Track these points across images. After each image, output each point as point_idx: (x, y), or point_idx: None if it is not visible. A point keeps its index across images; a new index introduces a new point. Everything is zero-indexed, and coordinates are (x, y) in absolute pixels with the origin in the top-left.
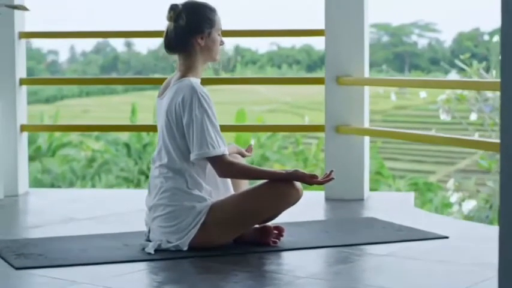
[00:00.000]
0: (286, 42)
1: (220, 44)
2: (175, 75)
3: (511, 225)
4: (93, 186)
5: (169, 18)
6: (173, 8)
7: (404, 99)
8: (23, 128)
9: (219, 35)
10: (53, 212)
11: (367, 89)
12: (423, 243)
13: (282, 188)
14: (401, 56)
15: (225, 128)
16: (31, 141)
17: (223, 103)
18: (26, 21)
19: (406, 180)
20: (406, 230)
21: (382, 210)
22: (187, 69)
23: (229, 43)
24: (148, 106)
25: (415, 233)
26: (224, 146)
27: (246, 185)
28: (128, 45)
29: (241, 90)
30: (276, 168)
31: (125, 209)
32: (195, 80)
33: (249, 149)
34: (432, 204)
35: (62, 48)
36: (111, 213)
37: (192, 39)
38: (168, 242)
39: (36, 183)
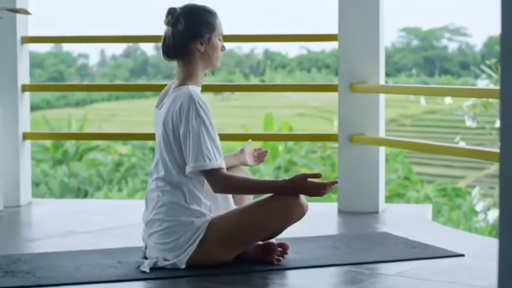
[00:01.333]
0: (316, 46)
1: (222, 50)
2: (174, 83)
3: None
4: (120, 190)
5: (167, 23)
6: (171, 11)
7: (434, 104)
8: (26, 136)
9: (220, 40)
10: (52, 224)
11: (382, 97)
12: (436, 261)
13: (284, 203)
14: (432, 60)
15: (229, 137)
16: (59, 145)
17: (252, 107)
18: (53, 26)
19: (434, 186)
20: (420, 247)
21: (396, 225)
22: (186, 77)
23: (259, 47)
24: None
25: (428, 251)
26: (221, 159)
27: (249, 198)
28: (158, 48)
29: (271, 94)
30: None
31: (127, 222)
32: (194, 88)
33: (261, 153)
34: (461, 210)
35: (92, 52)
36: (112, 226)
37: (191, 45)
38: (165, 259)
39: (62, 187)
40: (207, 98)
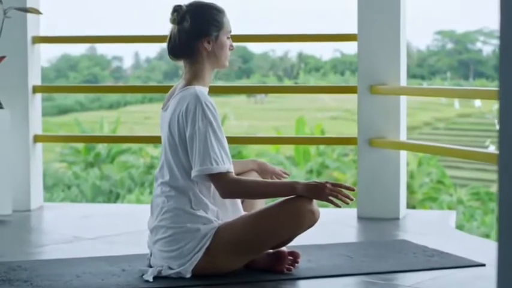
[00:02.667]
0: (350, 49)
1: (230, 49)
2: (180, 84)
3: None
4: (151, 193)
5: (173, 21)
6: (176, 9)
7: (468, 107)
8: (37, 138)
9: (228, 38)
10: (61, 229)
11: (403, 99)
12: (456, 271)
13: (295, 209)
14: (466, 64)
15: (240, 141)
16: (90, 148)
17: (286, 110)
18: (88, 27)
19: (467, 190)
20: (439, 256)
21: (417, 232)
22: (193, 77)
23: (293, 50)
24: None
25: (448, 260)
26: (229, 162)
27: (260, 204)
28: None
29: (304, 97)
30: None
31: (138, 228)
32: (201, 89)
33: (281, 173)
34: (494, 214)
35: (127, 55)
36: (122, 232)
37: (197, 44)
38: (170, 268)
39: (94, 189)
40: (239, 101)
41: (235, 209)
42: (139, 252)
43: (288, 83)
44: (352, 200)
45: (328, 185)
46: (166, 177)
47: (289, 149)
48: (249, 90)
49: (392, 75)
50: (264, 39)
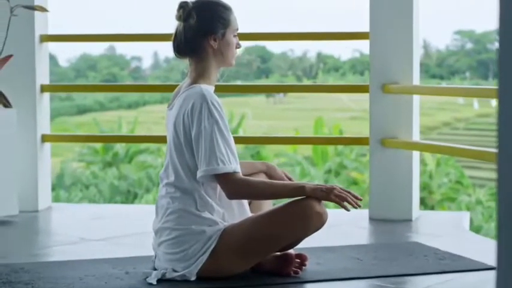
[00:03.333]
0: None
1: (237, 47)
2: (186, 82)
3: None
4: None
5: (179, 18)
6: (182, 5)
7: (487, 107)
8: (45, 138)
9: (234, 36)
10: (67, 230)
11: (416, 98)
12: (466, 275)
13: (302, 211)
14: (486, 63)
15: (248, 141)
16: (108, 148)
17: (305, 110)
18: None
19: (486, 190)
20: (451, 259)
21: (429, 234)
22: (198, 76)
23: (312, 50)
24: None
25: (459, 263)
26: (236, 163)
27: (268, 205)
28: None
29: (323, 97)
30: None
31: (146, 229)
32: (207, 87)
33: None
34: None
35: (146, 54)
36: (128, 233)
37: (203, 41)
38: (174, 270)
39: (112, 189)
40: (258, 101)
41: (241, 211)
42: (145, 254)
43: (306, 82)
44: (359, 206)
45: (337, 188)
46: (171, 178)
47: (307, 149)
48: (257, 90)
49: (405, 74)
50: (272, 37)
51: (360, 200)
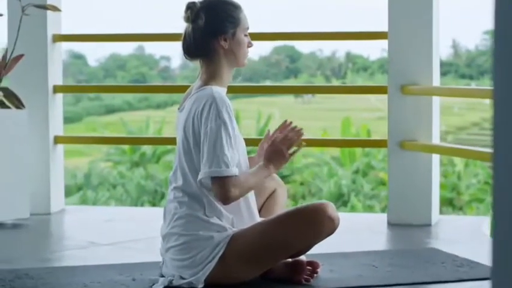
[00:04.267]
0: None
1: (248, 46)
2: (197, 84)
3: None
4: None
5: (187, 19)
6: (190, 6)
7: None
8: (58, 139)
9: (245, 35)
10: (77, 234)
11: (436, 100)
12: (485, 283)
13: (312, 217)
14: None
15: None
16: (136, 148)
17: (333, 110)
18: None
19: None
20: (469, 266)
21: (449, 239)
22: (210, 77)
23: (341, 49)
24: (253, 112)
25: (477, 270)
26: (235, 166)
27: (280, 209)
28: None
29: (352, 98)
30: None
31: (157, 233)
32: (218, 89)
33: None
34: None
35: (175, 54)
36: (140, 237)
37: (213, 42)
38: (181, 277)
39: (139, 189)
40: (287, 101)
41: (251, 216)
42: (154, 260)
43: (335, 82)
44: (301, 133)
45: (279, 144)
46: (180, 182)
47: (335, 150)
48: (269, 90)
49: (425, 75)
50: (290, 37)
51: (300, 130)
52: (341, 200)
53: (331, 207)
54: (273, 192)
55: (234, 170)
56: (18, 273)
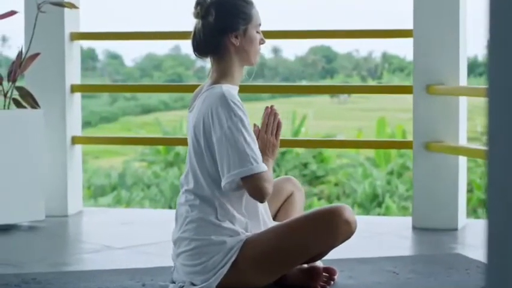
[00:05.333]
0: None
1: (260, 43)
2: (207, 83)
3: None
4: None
5: (196, 15)
6: (200, 2)
7: None
8: (75, 140)
9: (257, 32)
10: (92, 238)
11: (463, 100)
12: None
13: (328, 220)
14: None
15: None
16: (170, 148)
17: (369, 110)
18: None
19: None
20: None
21: (474, 245)
22: (220, 75)
23: (377, 50)
24: (288, 113)
25: None
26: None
27: (297, 212)
28: (275, 51)
29: (388, 98)
30: None
31: None
32: (228, 88)
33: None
34: None
35: None
36: (154, 241)
37: (224, 39)
38: (192, 284)
39: (173, 189)
40: (322, 101)
41: (267, 220)
42: (166, 265)
43: (371, 83)
44: (275, 111)
45: (265, 135)
46: (191, 185)
47: (370, 150)
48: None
49: (451, 74)
50: (309, 35)
51: (272, 109)
52: (375, 201)
53: (348, 210)
54: (290, 195)
55: (263, 166)
56: (25, 278)
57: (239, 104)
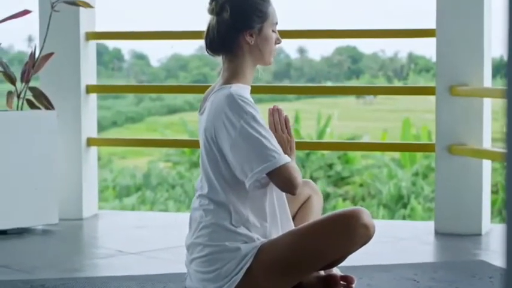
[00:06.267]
0: None
1: (276, 43)
2: (218, 83)
3: None
4: None
5: (211, 11)
6: None
7: None
8: (91, 141)
9: (273, 31)
10: (106, 242)
11: (487, 102)
12: None
13: (344, 224)
14: None
15: (307, 146)
16: (195, 149)
17: (395, 111)
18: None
19: None
20: None
21: (498, 251)
22: (232, 75)
23: (403, 50)
24: (314, 113)
25: None
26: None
27: (315, 216)
28: (301, 51)
29: (414, 98)
30: None
31: None
32: (238, 87)
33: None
34: None
35: None
36: (169, 246)
37: (238, 37)
38: None
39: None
40: (349, 102)
41: (287, 224)
42: (179, 271)
43: (397, 83)
44: (277, 108)
45: (278, 132)
46: (205, 189)
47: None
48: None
49: (475, 75)
50: (329, 34)
51: (276, 108)
52: (401, 202)
53: (365, 213)
54: (308, 199)
55: (286, 157)
56: (34, 284)
57: (248, 100)
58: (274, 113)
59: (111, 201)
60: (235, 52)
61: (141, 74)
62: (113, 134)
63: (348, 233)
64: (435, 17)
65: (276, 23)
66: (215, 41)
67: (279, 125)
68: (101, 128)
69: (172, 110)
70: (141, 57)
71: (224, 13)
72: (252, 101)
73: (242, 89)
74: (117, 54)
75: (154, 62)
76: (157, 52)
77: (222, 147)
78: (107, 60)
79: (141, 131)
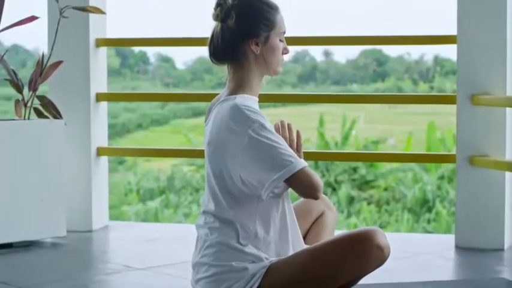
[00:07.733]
0: None
1: (283, 53)
2: (224, 93)
3: None
4: None
5: (216, 17)
6: (220, 3)
7: None
8: (101, 151)
9: (281, 40)
10: (114, 256)
11: (510, 111)
12: None
13: (358, 245)
14: None
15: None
16: None
17: (420, 114)
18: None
19: None
20: None
21: None
22: (238, 85)
23: (429, 53)
24: (339, 116)
25: None
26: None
27: (328, 235)
28: (327, 54)
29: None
30: None
31: None
32: (243, 98)
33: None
34: None
35: None
36: (177, 261)
37: (244, 45)
38: None
39: None
40: (374, 105)
41: (298, 242)
42: None
43: (423, 86)
44: (284, 124)
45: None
46: (210, 206)
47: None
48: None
49: (498, 84)
50: (354, 41)
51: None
52: (426, 206)
53: (380, 234)
54: (321, 215)
55: (302, 161)
56: None
57: (253, 109)
58: (283, 130)
59: (135, 205)
60: (240, 61)
61: (167, 76)
62: (138, 136)
63: (361, 255)
64: (456, 23)
65: (284, 32)
66: (219, 48)
67: (289, 141)
68: (126, 130)
69: (197, 113)
70: (166, 60)
71: (229, 20)
72: (259, 110)
73: (248, 100)
74: (143, 57)
75: (180, 65)
76: (183, 55)
77: (227, 162)
78: (133, 64)
79: (165, 133)
